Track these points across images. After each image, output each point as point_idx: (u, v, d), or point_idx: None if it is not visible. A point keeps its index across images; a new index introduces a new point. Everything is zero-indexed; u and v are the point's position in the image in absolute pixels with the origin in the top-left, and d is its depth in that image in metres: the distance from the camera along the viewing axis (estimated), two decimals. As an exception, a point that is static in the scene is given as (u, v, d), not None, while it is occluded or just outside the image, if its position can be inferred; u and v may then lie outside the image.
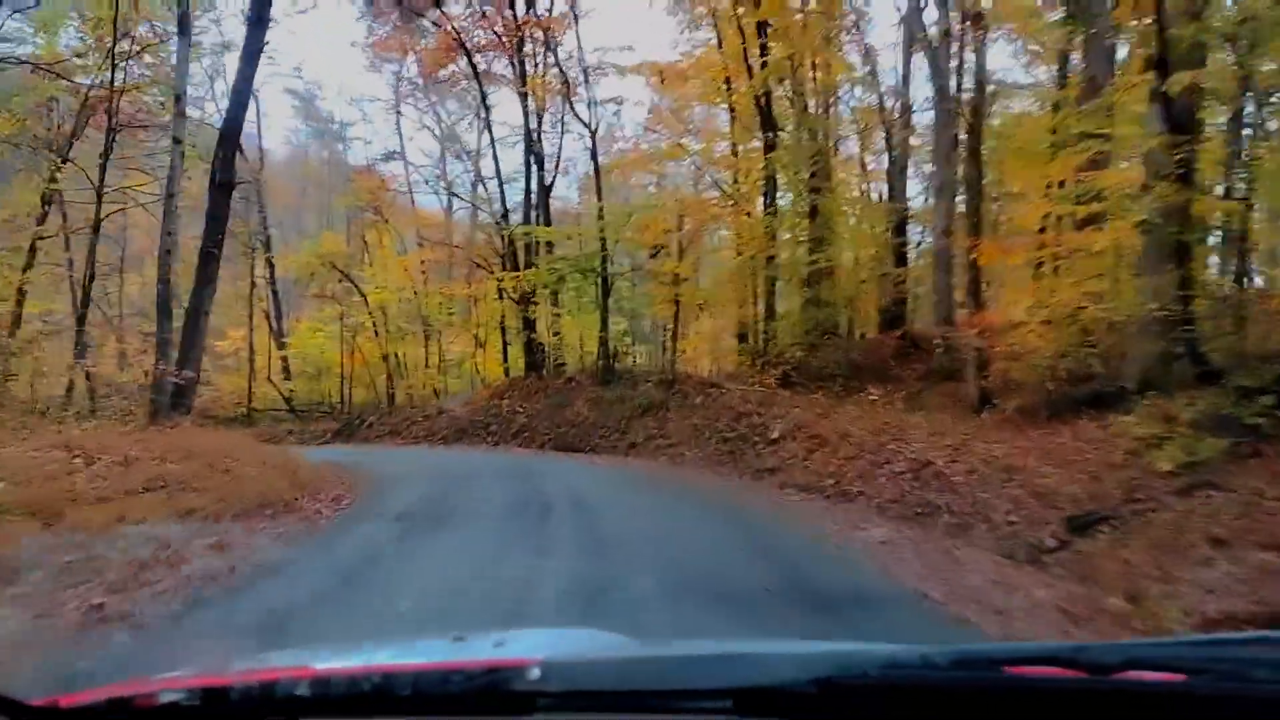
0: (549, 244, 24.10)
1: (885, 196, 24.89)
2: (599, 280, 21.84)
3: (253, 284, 32.22)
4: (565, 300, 25.62)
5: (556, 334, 25.45)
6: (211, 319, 37.71)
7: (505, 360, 26.54)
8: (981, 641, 5.02)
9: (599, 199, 21.66)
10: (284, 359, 32.76)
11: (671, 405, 17.76)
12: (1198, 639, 3.02)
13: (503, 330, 26.44)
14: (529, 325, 24.39)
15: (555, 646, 2.00)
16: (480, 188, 30.30)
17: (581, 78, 23.33)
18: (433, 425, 24.43)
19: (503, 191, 26.14)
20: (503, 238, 25.47)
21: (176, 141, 13.37)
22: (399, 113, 31.76)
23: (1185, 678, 1.40)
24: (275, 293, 33.37)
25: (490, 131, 26.33)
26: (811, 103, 23.46)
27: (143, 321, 39.44)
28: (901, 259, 20.95)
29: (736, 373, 21.90)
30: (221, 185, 13.49)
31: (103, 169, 17.43)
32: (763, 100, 20.99)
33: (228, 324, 36.01)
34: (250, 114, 45.81)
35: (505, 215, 25.46)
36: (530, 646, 1.93)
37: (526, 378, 24.44)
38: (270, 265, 32.74)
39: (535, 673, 1.48)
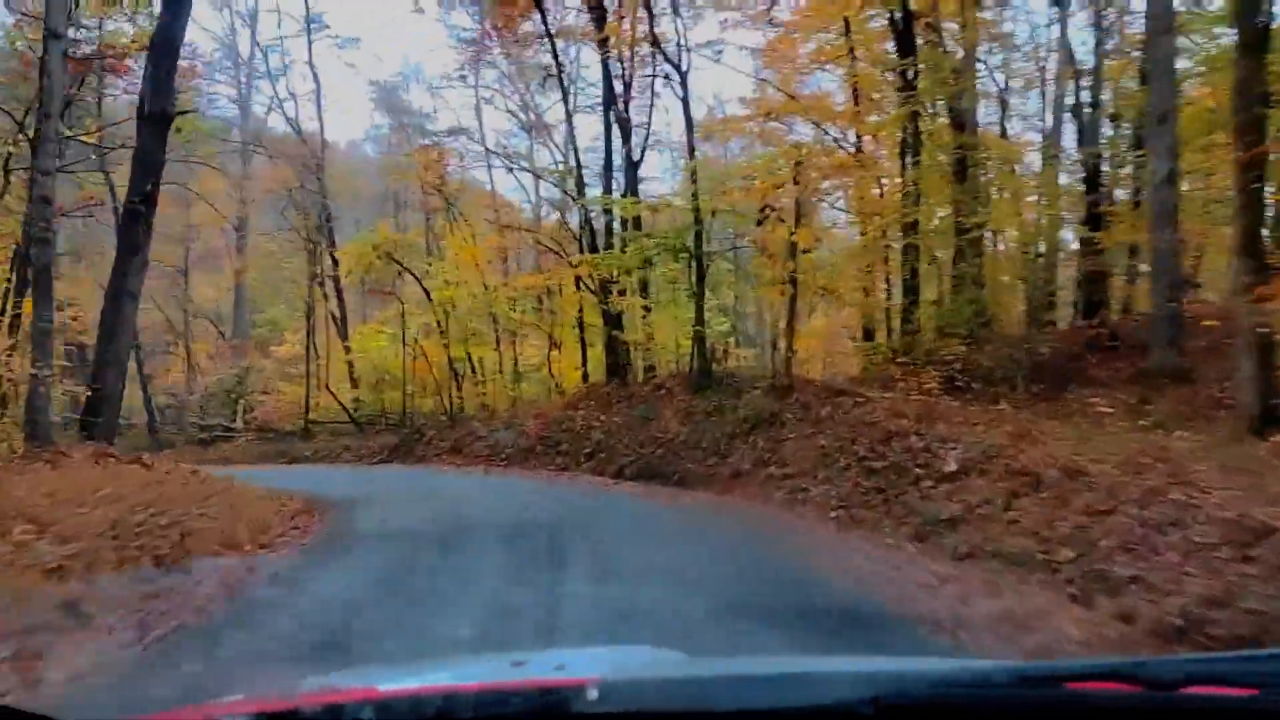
0: (636, 222, 19.72)
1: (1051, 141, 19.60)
2: (692, 261, 17.36)
3: (313, 281, 28.93)
4: (656, 291, 21.21)
5: (649, 336, 20.97)
6: (268, 317, 34.42)
7: (584, 363, 22.27)
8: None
9: (690, 155, 17.20)
10: (350, 364, 29.36)
11: (787, 420, 13.11)
12: (1258, 653, 2.67)
13: (580, 327, 22.18)
14: (610, 321, 20.06)
15: (613, 666, 2.04)
16: (561, 167, 26.19)
17: (671, 13, 18.93)
18: (496, 442, 20.39)
19: (578, 160, 21.96)
20: (580, 215, 21.26)
21: (54, 36, 9.38)
22: (464, 78, 27.99)
23: (1256, 691, 1.38)
24: (340, 292, 30.03)
25: (562, 83, 22.14)
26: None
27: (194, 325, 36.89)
28: (1094, 221, 15.71)
29: (864, 377, 17.10)
30: (152, 117, 9.58)
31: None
32: (900, 21, 16.15)
33: (289, 326, 33.06)
34: (305, 84, 42.68)
35: (581, 187, 21.18)
36: (588, 666, 1.92)
37: (607, 384, 20.13)
38: (335, 262, 29.40)
39: (593, 693, 1.45)
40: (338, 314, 29.91)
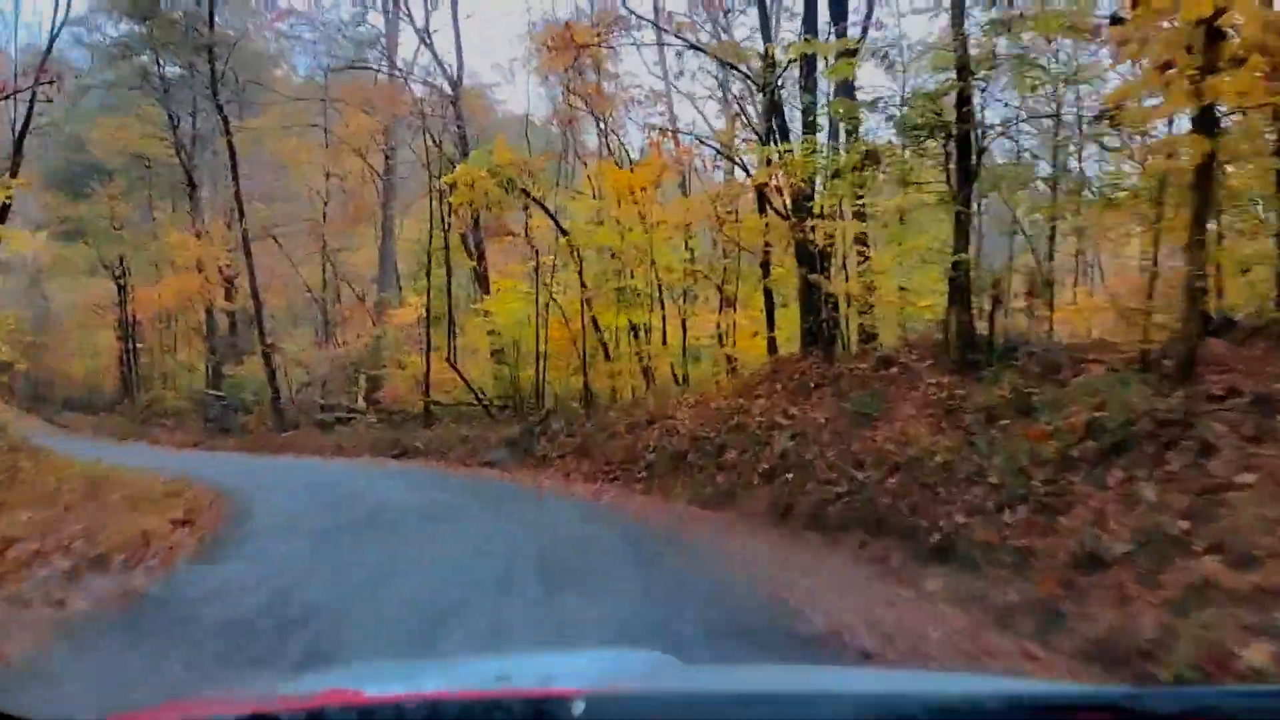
0: (847, 88, 12.45)
1: None
2: (949, 143, 9.98)
3: (435, 224, 23.32)
4: (881, 217, 13.83)
5: (868, 286, 13.56)
6: (437, 282, 29.06)
7: (770, 327, 15.09)
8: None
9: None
10: (493, 333, 23.49)
11: (1218, 435, 5.57)
12: (1258, 688, 2.45)
13: (765, 270, 14.98)
14: (808, 260, 12.89)
15: (603, 674, 1.99)
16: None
17: None
18: (638, 442, 13.79)
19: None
20: (765, 97, 14.09)
21: None
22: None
23: None
24: (479, 244, 24.15)
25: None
26: None
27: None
28: None
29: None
30: None
31: None
32: None
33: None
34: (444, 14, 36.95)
35: (770, 63, 13.92)
36: (579, 673, 1.92)
37: (803, 358, 13.03)
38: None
39: (579, 706, 1.41)
40: (479, 268, 24.04)
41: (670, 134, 18.64)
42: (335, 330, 30.16)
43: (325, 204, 29.85)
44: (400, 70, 26.34)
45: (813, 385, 11.70)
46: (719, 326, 16.70)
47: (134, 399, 34.04)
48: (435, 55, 24.97)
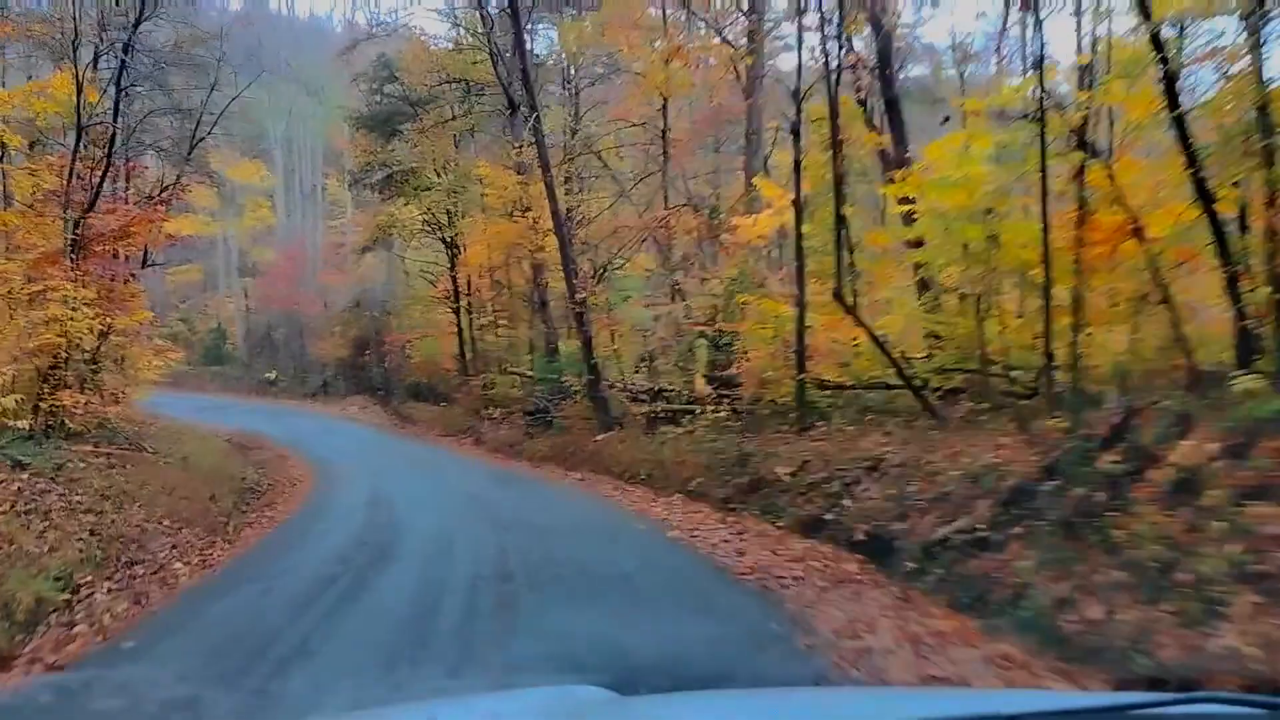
0: None
1: None
2: None
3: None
4: None
5: None
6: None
7: None
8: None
9: None
10: (917, 247, 12.45)
11: None
12: (1166, 696, 1.89)
13: None
14: None
15: (531, 714, 1.87)
16: None
17: None
18: None
19: None
20: None
21: None
22: None
23: None
24: (891, 94, 13.25)
25: None
26: None
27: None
28: None
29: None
30: None
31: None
32: None
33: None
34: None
35: None
36: (505, 714, 1.84)
37: None
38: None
39: None
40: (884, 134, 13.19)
41: None
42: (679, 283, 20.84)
43: (665, 102, 20.58)
44: None
45: None
46: None
47: (470, 386, 27.80)
48: None
